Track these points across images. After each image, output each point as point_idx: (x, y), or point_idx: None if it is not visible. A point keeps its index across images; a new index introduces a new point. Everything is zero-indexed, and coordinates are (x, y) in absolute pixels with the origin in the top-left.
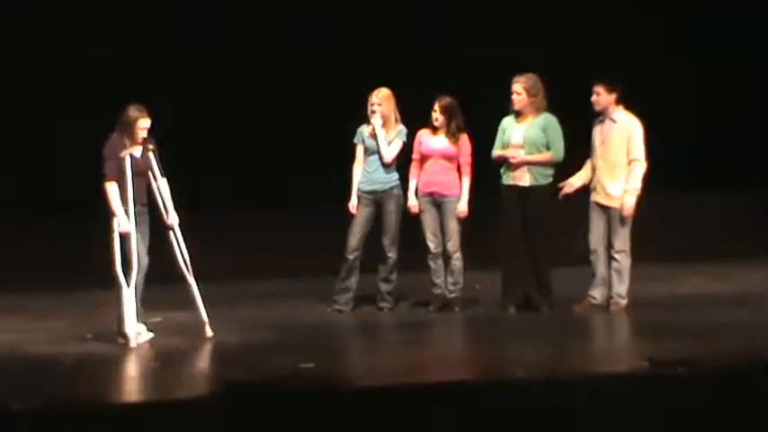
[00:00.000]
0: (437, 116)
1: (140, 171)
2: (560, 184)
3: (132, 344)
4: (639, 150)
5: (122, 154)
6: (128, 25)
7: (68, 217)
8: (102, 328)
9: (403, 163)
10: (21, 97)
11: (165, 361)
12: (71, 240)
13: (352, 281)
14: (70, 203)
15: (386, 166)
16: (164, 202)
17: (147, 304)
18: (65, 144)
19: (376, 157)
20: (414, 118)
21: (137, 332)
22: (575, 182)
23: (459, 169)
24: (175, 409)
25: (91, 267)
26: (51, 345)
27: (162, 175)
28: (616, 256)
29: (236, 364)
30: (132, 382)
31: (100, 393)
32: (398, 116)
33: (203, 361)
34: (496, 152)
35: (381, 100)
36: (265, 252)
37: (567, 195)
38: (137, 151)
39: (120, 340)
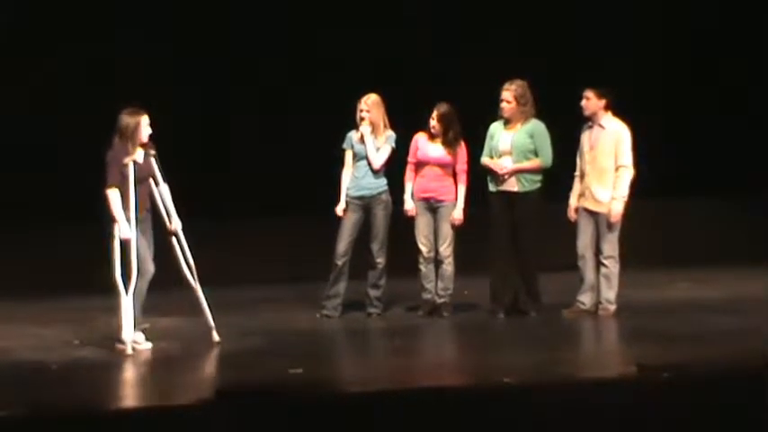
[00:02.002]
0: (434, 124)
1: (143, 177)
2: (569, 216)
3: (129, 351)
4: (627, 157)
5: (126, 160)
6: (128, 25)
7: (59, 222)
8: (89, 335)
9: (397, 167)
10: (20, 98)
11: (152, 367)
12: (60, 246)
13: (341, 286)
14: (64, 207)
15: (375, 171)
16: (166, 209)
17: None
18: (61, 148)
19: (365, 162)
20: (408, 119)
21: (134, 340)
22: (572, 203)
23: (454, 175)
24: (163, 416)
25: (79, 273)
26: (38, 351)
27: (163, 181)
28: (605, 261)
29: (225, 370)
30: (119, 388)
31: (85, 400)
32: (387, 122)
33: (192, 367)
34: (484, 160)
35: (370, 106)
36: (253, 258)
37: (577, 219)
38: (139, 156)
39: (119, 346)
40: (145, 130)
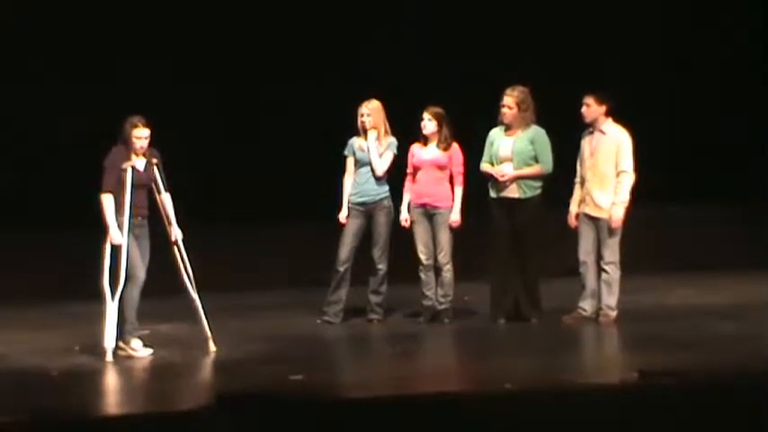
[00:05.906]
0: (425, 123)
1: (142, 183)
2: (570, 222)
3: (109, 358)
4: (628, 162)
5: (124, 165)
6: (129, 27)
7: (59, 227)
8: (89, 341)
9: (397, 175)
10: (18, 100)
11: (152, 373)
12: (60, 251)
13: (342, 292)
14: (64, 211)
15: (377, 178)
16: (167, 217)
17: (138, 316)
18: (61, 148)
19: (367, 168)
20: (406, 128)
21: (132, 348)
22: (573, 209)
23: (451, 180)
24: (164, 422)
25: (80, 279)
26: (38, 357)
27: (165, 190)
28: (605, 267)
29: (226, 376)
30: (120, 394)
31: (86, 406)
32: (388, 128)
33: (192, 373)
34: (484, 167)
35: (371, 111)
36: (255, 264)
37: (577, 225)
38: (139, 163)
39: (121, 353)
40: (138, 142)
